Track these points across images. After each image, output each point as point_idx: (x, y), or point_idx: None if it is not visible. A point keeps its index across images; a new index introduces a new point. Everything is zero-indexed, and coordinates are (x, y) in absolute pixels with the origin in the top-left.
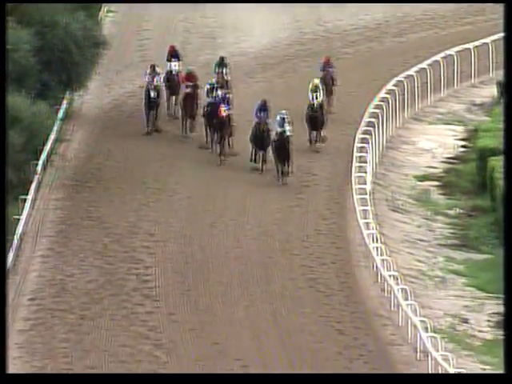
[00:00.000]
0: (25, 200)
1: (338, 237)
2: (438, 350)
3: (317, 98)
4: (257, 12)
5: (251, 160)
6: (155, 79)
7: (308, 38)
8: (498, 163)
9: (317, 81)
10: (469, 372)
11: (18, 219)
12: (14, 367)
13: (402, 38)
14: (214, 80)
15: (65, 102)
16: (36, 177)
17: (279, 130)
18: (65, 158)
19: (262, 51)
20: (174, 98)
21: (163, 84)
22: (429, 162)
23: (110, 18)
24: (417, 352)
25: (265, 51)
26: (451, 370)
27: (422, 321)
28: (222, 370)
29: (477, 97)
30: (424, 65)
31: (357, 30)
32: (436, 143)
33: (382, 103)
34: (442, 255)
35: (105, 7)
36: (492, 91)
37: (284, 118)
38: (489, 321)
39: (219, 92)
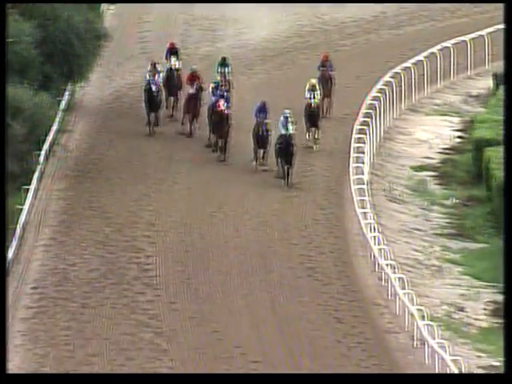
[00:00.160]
0: (27, 190)
1: (336, 226)
2: (434, 338)
3: (314, 96)
4: (256, 6)
5: (253, 159)
6: (156, 77)
7: (306, 31)
8: (493, 154)
9: (314, 81)
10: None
11: (21, 209)
12: (16, 355)
13: (399, 31)
14: (219, 78)
15: (67, 93)
16: (38, 167)
17: (283, 131)
18: (67, 149)
19: (261, 43)
20: (172, 98)
21: (163, 82)
22: (425, 152)
23: (111, 10)
24: (414, 340)
25: (264, 43)
26: (447, 358)
27: (418, 309)
28: (222, 358)
29: (473, 88)
30: (421, 57)
31: (354, 22)
32: (432, 134)
33: (379, 95)
34: (439, 244)
35: None
36: (488, 83)
37: (287, 118)
38: (485, 309)
39: (218, 92)
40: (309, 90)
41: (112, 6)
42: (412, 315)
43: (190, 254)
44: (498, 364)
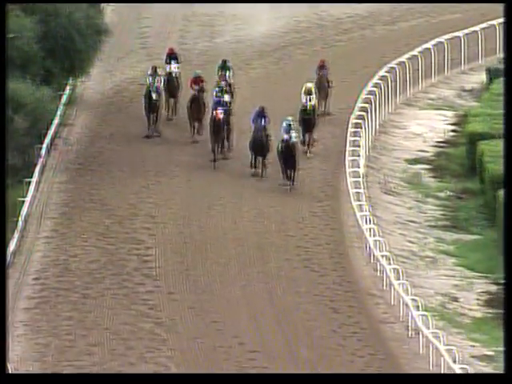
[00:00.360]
0: (29, 183)
1: (332, 218)
2: (428, 328)
3: (310, 100)
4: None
5: (251, 166)
6: (156, 80)
7: (303, 27)
8: (487, 147)
9: (310, 85)
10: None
11: (23, 201)
12: (18, 344)
13: (394, 26)
14: (223, 83)
15: (68, 87)
16: (40, 160)
17: (285, 137)
18: (68, 142)
19: (258, 39)
20: (172, 100)
21: (163, 86)
22: (420, 145)
23: (111, 6)
24: (408, 330)
25: (261, 39)
26: (442, 347)
27: (413, 299)
28: (220, 347)
29: (466, 83)
30: (415, 52)
31: (350, 18)
32: (427, 128)
33: (374, 89)
34: (433, 236)
35: None
36: (481, 77)
37: (290, 125)
38: (478, 299)
39: (214, 98)
40: (304, 94)
41: (112, 3)
42: (407, 305)
43: (188, 246)
44: (491, 354)
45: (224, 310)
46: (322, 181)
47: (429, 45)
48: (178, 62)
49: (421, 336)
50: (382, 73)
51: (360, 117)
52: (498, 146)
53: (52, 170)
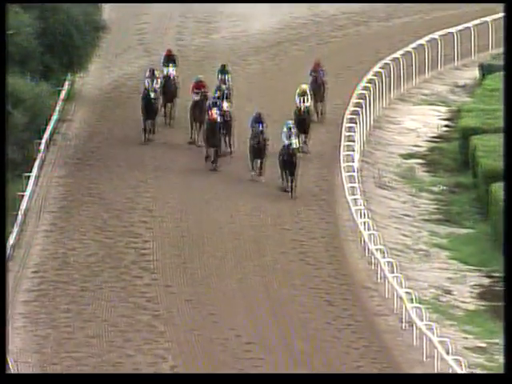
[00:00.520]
0: (28, 177)
1: (327, 212)
2: (422, 320)
3: (304, 101)
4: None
5: (251, 170)
6: (154, 83)
7: (298, 23)
8: (479, 142)
9: (304, 86)
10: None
11: (22, 196)
12: (17, 336)
13: (388, 23)
14: (224, 86)
15: (66, 83)
16: (39, 155)
17: (286, 142)
18: (66, 137)
19: (254, 35)
20: (169, 105)
21: (160, 89)
22: (414, 140)
23: (109, 3)
24: (402, 322)
25: (257, 35)
26: (435, 339)
27: (407, 292)
28: (217, 339)
29: (459, 79)
30: (409, 48)
31: (345, 14)
32: (420, 123)
33: (369, 85)
34: (427, 230)
35: None
36: (474, 73)
37: (291, 129)
38: (471, 292)
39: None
40: (299, 96)
41: None
42: (401, 298)
43: (185, 239)
44: (484, 345)
45: (220, 303)
46: (317, 175)
47: (423, 41)
48: (175, 65)
49: (414, 328)
50: (376, 68)
51: (355, 112)
52: (491, 140)
53: (51, 164)
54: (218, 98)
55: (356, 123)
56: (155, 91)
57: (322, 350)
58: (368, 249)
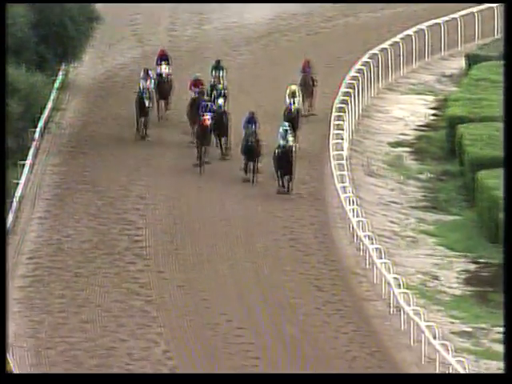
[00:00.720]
0: (23, 165)
1: (317, 200)
2: (410, 305)
3: (294, 102)
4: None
5: (244, 171)
6: (148, 83)
7: (289, 14)
8: (466, 130)
9: (294, 87)
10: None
11: (17, 183)
12: (13, 321)
13: (376, 14)
14: (220, 86)
15: (61, 73)
16: (34, 143)
17: (282, 142)
18: (61, 126)
19: (246, 26)
20: (163, 102)
21: (154, 88)
22: (401, 129)
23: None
24: (390, 307)
25: (249, 26)
26: (422, 324)
27: (395, 278)
28: (208, 324)
29: (446, 68)
30: (397, 38)
31: (334, 5)
32: (408, 112)
33: (357, 75)
34: (414, 217)
35: None
36: (460, 63)
37: (287, 130)
38: (457, 278)
39: (203, 102)
40: (289, 96)
41: None
42: (388, 284)
43: (178, 226)
44: (470, 330)
45: (212, 289)
46: (306, 164)
47: (410, 31)
48: (168, 64)
49: (402, 313)
50: (365, 58)
51: (344, 101)
52: (477, 129)
53: (45, 152)
54: (211, 100)
55: (345, 112)
56: (150, 97)
57: (312, 335)
58: (357, 235)
